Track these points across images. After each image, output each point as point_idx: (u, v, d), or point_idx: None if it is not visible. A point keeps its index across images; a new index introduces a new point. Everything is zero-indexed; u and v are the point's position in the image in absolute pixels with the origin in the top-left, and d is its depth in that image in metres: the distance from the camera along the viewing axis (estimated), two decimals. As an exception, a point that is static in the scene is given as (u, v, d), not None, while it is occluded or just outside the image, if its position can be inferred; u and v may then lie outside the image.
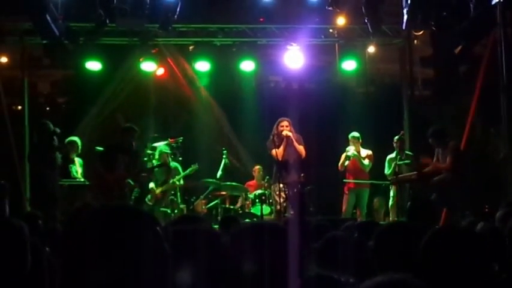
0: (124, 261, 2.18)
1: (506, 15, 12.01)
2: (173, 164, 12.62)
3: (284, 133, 11.30)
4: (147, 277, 2.19)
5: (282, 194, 11.10)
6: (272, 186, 11.60)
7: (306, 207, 11.62)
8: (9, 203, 11.21)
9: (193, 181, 13.13)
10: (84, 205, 3.80)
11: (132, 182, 11.40)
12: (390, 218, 12.57)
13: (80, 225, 2.34)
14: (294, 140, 11.30)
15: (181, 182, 12.63)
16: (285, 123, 11.41)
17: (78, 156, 12.24)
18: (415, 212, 6.32)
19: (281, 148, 11.27)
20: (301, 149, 11.37)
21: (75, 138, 12.35)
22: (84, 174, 12.12)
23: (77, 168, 12.10)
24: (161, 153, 12.44)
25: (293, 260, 2.95)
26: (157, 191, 12.40)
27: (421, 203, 6.71)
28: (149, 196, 12.44)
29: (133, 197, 11.74)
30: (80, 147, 12.21)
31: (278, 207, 11.14)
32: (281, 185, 11.03)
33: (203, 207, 13.17)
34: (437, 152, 11.53)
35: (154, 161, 12.39)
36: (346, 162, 12.69)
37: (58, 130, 11.45)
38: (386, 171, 12.77)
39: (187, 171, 12.63)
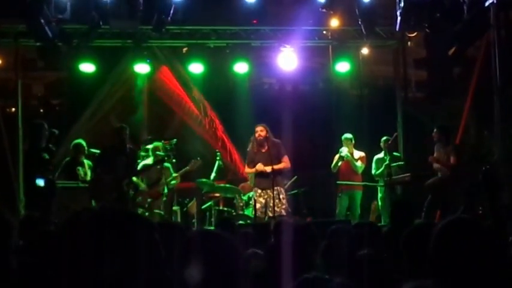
0: (119, 261, 2.20)
1: (499, 17, 12.04)
2: (165, 164, 12.52)
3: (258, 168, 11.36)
4: (141, 276, 2.22)
5: (261, 199, 11.24)
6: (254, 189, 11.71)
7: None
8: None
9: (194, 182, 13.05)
10: (83, 209, 3.75)
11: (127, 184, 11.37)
12: (382, 220, 12.61)
13: (78, 228, 2.36)
14: (266, 169, 11.29)
15: (174, 182, 12.54)
16: (259, 128, 11.46)
17: (86, 158, 12.21)
18: (397, 215, 6.38)
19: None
20: (281, 166, 11.38)
21: (81, 141, 12.34)
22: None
23: (86, 169, 12.07)
24: (155, 147, 12.38)
25: (286, 264, 2.96)
26: (150, 192, 12.32)
27: (401, 206, 6.74)
28: (139, 198, 12.29)
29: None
30: (86, 149, 12.19)
31: (256, 212, 11.32)
32: (259, 191, 11.20)
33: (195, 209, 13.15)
34: (437, 148, 11.58)
35: (150, 159, 12.33)
36: (339, 163, 12.73)
37: (56, 131, 11.45)
38: (374, 171, 12.82)
39: (183, 169, 12.49)
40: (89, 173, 12.06)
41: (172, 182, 12.45)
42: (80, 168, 12.01)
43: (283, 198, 11.33)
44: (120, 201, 10.77)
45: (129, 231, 2.32)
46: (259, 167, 11.32)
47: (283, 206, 11.27)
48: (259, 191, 11.47)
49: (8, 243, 2.93)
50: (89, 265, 2.24)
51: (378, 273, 4.08)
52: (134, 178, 12.12)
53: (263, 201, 11.29)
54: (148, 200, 12.27)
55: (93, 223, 2.36)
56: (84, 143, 12.26)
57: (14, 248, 2.97)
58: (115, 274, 2.23)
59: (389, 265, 4.26)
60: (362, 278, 3.87)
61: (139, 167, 12.10)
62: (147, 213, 11.66)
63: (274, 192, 11.17)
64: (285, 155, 11.50)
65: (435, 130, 11.75)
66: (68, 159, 12.11)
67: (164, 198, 12.42)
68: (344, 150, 12.72)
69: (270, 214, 11.07)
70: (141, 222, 2.44)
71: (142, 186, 12.36)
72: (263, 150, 11.50)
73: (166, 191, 12.38)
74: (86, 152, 12.20)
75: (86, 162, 12.14)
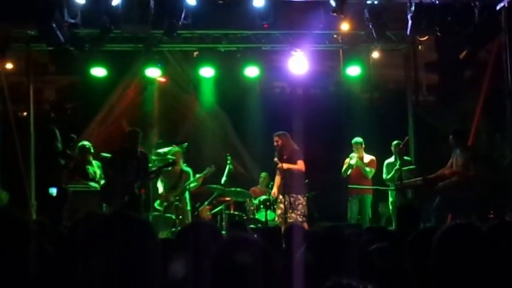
0: (122, 260, 2.28)
1: (511, 20, 12.01)
2: (186, 168, 12.69)
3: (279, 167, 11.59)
4: (139, 275, 2.30)
5: (281, 204, 11.31)
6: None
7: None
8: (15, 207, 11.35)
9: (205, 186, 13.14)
10: (88, 214, 3.80)
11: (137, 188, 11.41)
12: (393, 224, 12.59)
13: (85, 231, 2.42)
14: (283, 167, 11.48)
15: (192, 185, 12.65)
16: (274, 138, 11.68)
17: (94, 158, 12.32)
18: (402, 219, 6.36)
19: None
20: (296, 168, 11.49)
21: (85, 142, 12.44)
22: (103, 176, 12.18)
23: (95, 168, 12.15)
24: (175, 153, 12.54)
25: (297, 270, 2.97)
26: (168, 196, 12.49)
27: (407, 210, 6.72)
28: (158, 201, 12.53)
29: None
30: (91, 149, 12.28)
31: (279, 219, 11.42)
32: (280, 196, 11.32)
33: (208, 213, 13.18)
34: (454, 152, 11.44)
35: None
36: (349, 171, 12.72)
37: (75, 136, 11.54)
38: (385, 175, 12.80)
39: (203, 173, 12.67)
40: (98, 171, 12.15)
41: (193, 185, 12.59)
42: (89, 167, 12.10)
43: (298, 205, 11.34)
44: (131, 204, 10.80)
45: (127, 235, 2.39)
46: (276, 161, 11.54)
47: (298, 212, 11.29)
48: (280, 196, 11.59)
49: (27, 248, 2.94)
50: (97, 266, 2.31)
51: (389, 266, 4.09)
52: (159, 183, 12.50)
53: (283, 206, 11.36)
54: (165, 203, 12.44)
55: (100, 228, 2.42)
56: (88, 144, 12.37)
57: (34, 253, 2.97)
58: (112, 272, 2.30)
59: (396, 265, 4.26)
60: (373, 275, 3.88)
61: None
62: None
63: (291, 199, 11.27)
64: (299, 159, 11.62)
65: (451, 136, 11.50)
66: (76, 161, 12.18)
67: (176, 203, 12.50)
68: (353, 158, 12.70)
69: (289, 220, 11.13)
70: (143, 227, 2.50)
71: (161, 190, 12.54)
72: (285, 157, 11.64)
73: (187, 194, 12.54)
74: (92, 152, 12.31)
75: (95, 162, 12.25)
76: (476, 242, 2.94)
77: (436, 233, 3.03)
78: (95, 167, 12.18)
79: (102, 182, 12.04)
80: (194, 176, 12.69)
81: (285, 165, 11.47)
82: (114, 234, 2.38)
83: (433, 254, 2.97)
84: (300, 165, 11.60)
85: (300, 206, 11.37)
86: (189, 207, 12.65)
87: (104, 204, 11.35)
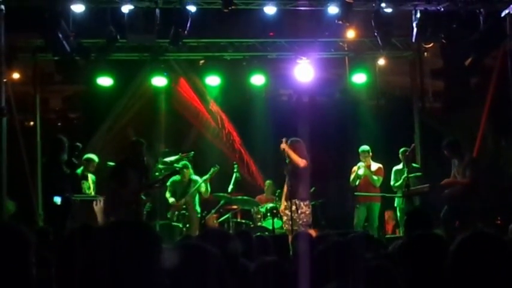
0: (124, 265, 2.31)
1: (516, 27, 12.01)
2: (194, 177, 12.73)
3: (281, 147, 11.34)
4: (141, 280, 2.33)
5: (287, 211, 11.26)
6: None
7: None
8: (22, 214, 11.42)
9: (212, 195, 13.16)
10: (84, 225, 3.82)
11: (144, 197, 11.39)
12: (400, 231, 12.57)
13: (85, 239, 2.45)
14: (290, 152, 11.28)
15: (202, 190, 12.67)
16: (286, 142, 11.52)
17: (92, 172, 12.36)
18: (412, 224, 6.32)
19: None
20: (294, 157, 11.30)
21: (93, 156, 12.46)
22: (96, 191, 12.21)
23: (90, 184, 12.18)
24: (183, 166, 12.61)
25: (303, 274, 2.98)
26: (177, 203, 12.55)
27: (416, 216, 6.66)
28: (170, 212, 12.57)
29: (145, 212, 11.75)
30: (95, 163, 12.33)
31: (285, 225, 11.35)
32: (285, 203, 11.26)
33: (215, 221, 13.18)
34: (453, 163, 11.38)
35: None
36: (357, 182, 12.67)
37: (80, 145, 11.56)
38: (393, 182, 12.76)
39: (208, 174, 12.68)
40: (92, 186, 12.19)
41: (203, 189, 12.70)
42: (84, 182, 12.13)
43: (301, 213, 11.29)
44: (136, 214, 10.80)
45: (130, 243, 2.40)
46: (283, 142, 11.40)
47: (300, 222, 11.25)
48: (286, 203, 11.48)
49: (27, 258, 2.96)
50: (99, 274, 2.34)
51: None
52: (167, 193, 12.61)
53: (288, 213, 11.30)
54: (176, 212, 12.48)
55: (100, 235, 2.45)
56: (96, 159, 12.41)
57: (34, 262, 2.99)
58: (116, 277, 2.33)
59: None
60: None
61: (168, 182, 12.31)
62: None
63: (293, 207, 11.19)
64: (304, 160, 11.45)
65: (444, 149, 11.40)
66: (77, 171, 12.18)
67: (183, 211, 12.53)
68: (361, 168, 12.64)
69: (295, 227, 11.09)
70: (146, 235, 2.51)
71: (172, 200, 12.57)
72: (287, 161, 11.54)
73: (197, 201, 12.71)
74: (96, 165, 12.36)
75: (90, 176, 12.28)
76: (497, 252, 2.87)
77: (454, 241, 2.96)
78: (89, 182, 12.22)
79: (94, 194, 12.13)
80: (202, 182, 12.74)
81: (285, 146, 11.28)
82: (115, 240, 2.40)
83: (450, 262, 2.90)
84: (301, 161, 11.37)
85: (303, 215, 11.30)
86: (198, 215, 12.69)
87: (108, 214, 11.35)
